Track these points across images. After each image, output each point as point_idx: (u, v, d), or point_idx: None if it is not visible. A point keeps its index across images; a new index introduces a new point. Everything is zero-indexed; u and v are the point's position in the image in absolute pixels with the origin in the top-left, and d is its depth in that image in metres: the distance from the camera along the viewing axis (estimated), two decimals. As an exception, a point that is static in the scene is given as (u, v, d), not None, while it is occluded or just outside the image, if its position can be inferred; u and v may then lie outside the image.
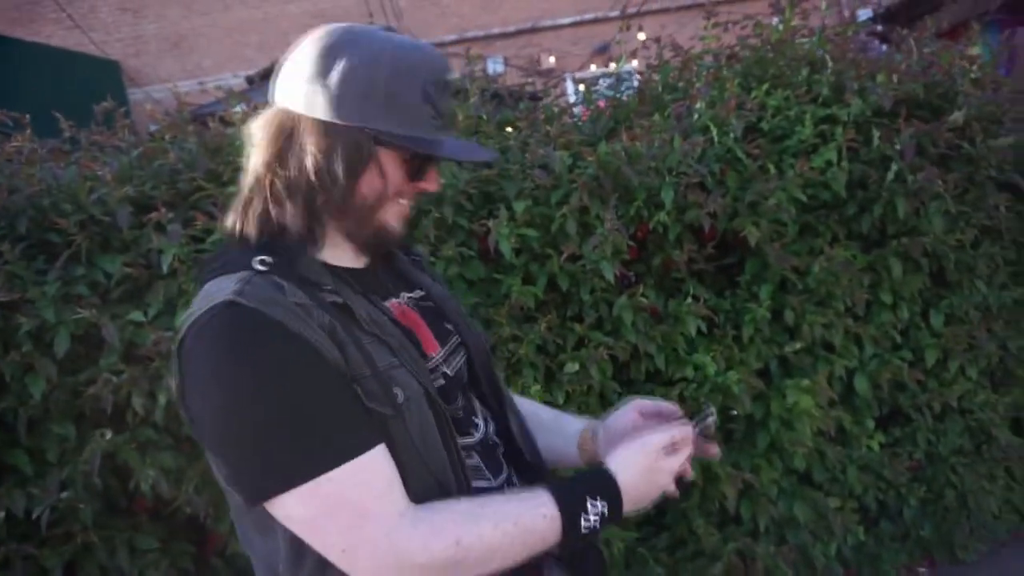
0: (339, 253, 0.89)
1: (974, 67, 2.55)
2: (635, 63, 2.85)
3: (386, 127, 0.83)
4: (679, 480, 0.92)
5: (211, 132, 2.02)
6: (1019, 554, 2.61)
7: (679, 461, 0.89)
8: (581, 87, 2.76)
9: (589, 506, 0.83)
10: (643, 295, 2.06)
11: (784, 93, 2.35)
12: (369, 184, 0.85)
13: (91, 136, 2.04)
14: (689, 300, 2.12)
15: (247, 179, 0.88)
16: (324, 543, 0.78)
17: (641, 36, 3.08)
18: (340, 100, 0.82)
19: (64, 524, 1.66)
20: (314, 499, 0.76)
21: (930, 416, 2.48)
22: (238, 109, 2.08)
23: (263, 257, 0.81)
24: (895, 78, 2.35)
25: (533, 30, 9.66)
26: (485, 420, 0.99)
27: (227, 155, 1.97)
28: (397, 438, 0.81)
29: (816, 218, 2.32)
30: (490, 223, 1.94)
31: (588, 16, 9.36)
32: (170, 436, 1.75)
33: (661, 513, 2.25)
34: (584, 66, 8.59)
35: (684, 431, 0.90)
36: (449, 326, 0.99)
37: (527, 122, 2.35)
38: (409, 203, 0.91)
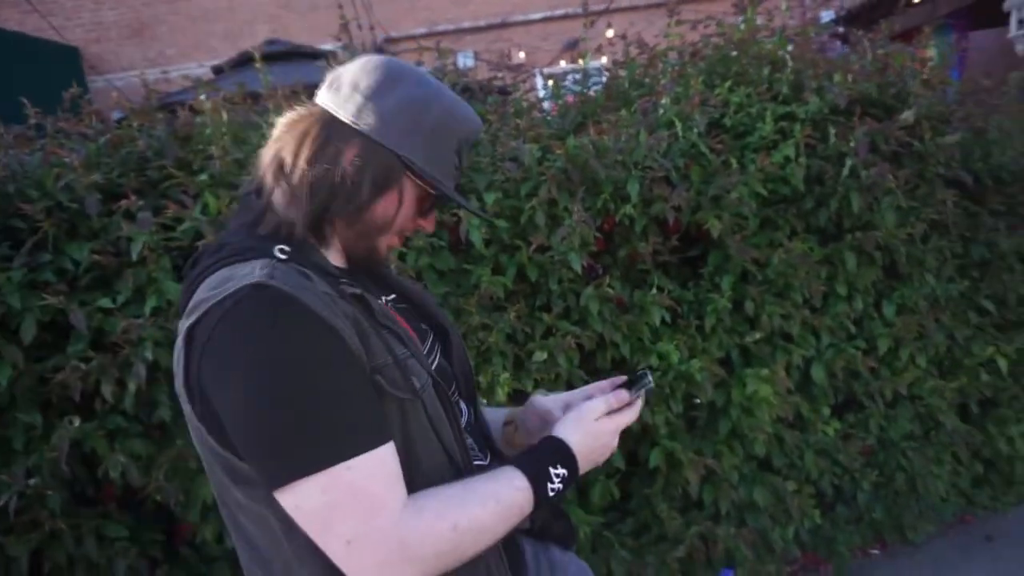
0: (333, 253, 0.94)
1: (925, 69, 2.66)
2: (604, 59, 2.89)
3: (420, 162, 0.90)
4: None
5: (181, 120, 2.01)
6: (965, 535, 2.72)
7: (623, 421, 0.98)
8: (550, 82, 2.80)
9: (552, 473, 0.89)
10: (609, 286, 2.11)
11: (746, 91, 2.42)
12: (385, 207, 0.91)
13: (57, 123, 2.02)
14: (654, 291, 2.18)
15: (265, 167, 0.90)
16: (331, 533, 0.78)
17: (610, 33, 3.13)
18: (389, 124, 0.88)
19: (31, 512, 1.64)
20: (334, 486, 0.76)
21: (882, 403, 2.57)
22: (204, 97, 2.07)
23: (282, 246, 0.84)
24: (850, 78, 2.44)
25: (503, 25, 9.68)
26: (466, 406, 1.05)
27: (196, 144, 1.97)
28: (417, 421, 0.86)
29: (776, 212, 2.39)
30: (461, 214, 1.97)
31: (558, 12, 9.40)
32: (140, 423, 1.75)
33: (626, 498, 2.31)
34: (554, 62, 8.61)
35: (619, 396, 0.99)
36: (424, 326, 1.04)
37: (497, 116, 2.37)
38: (403, 239, 0.98)
